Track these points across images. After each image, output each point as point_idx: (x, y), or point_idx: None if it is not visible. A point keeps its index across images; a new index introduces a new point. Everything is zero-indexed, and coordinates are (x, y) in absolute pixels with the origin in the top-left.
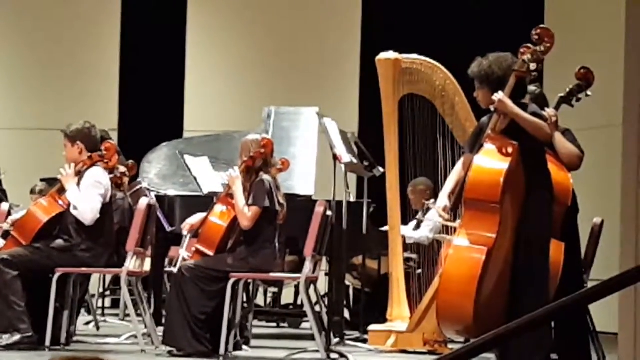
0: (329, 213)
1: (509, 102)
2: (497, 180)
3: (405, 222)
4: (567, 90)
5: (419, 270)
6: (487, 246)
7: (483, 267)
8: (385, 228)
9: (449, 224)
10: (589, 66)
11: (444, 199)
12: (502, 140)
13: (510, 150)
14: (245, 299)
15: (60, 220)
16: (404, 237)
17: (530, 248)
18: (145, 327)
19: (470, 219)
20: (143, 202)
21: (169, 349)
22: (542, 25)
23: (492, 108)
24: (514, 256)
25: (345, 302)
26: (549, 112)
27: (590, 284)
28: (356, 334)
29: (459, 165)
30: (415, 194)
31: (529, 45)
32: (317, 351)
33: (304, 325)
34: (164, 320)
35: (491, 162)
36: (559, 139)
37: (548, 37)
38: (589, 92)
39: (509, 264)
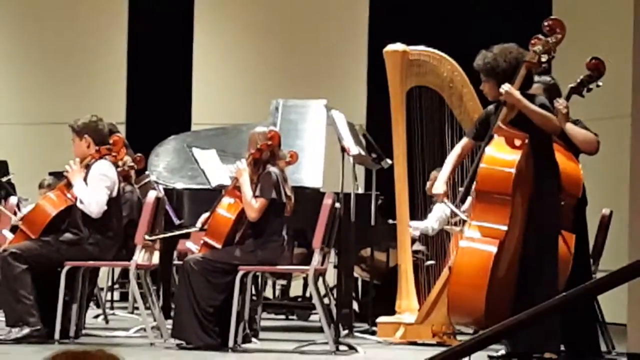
0: (337, 205)
1: (517, 94)
2: (508, 172)
3: (413, 213)
4: (578, 80)
5: (430, 262)
6: (499, 238)
7: (495, 260)
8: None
9: (456, 211)
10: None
11: (441, 185)
12: (511, 132)
13: (519, 142)
14: (253, 292)
15: (69, 213)
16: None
17: (540, 239)
18: (154, 320)
19: (481, 211)
20: (151, 195)
21: (177, 342)
22: (553, 17)
23: (501, 99)
24: (523, 248)
25: (353, 294)
26: (560, 102)
27: (599, 275)
28: (365, 326)
29: (457, 149)
30: (432, 181)
31: (540, 36)
32: (326, 343)
33: (312, 317)
34: (172, 314)
35: (502, 154)
36: (571, 127)
37: (559, 28)
38: (599, 83)
39: (519, 255)
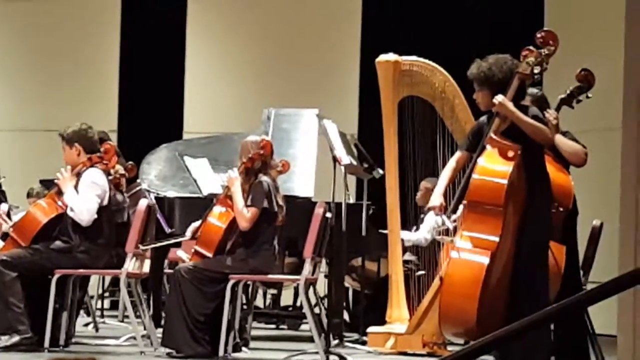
0: (328, 215)
1: (510, 105)
2: (501, 183)
3: (404, 223)
4: (568, 91)
5: (421, 272)
6: (491, 249)
7: (487, 271)
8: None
9: (450, 226)
10: (588, 68)
11: (437, 198)
12: (504, 142)
13: (512, 153)
14: (244, 301)
15: (60, 221)
16: (402, 241)
17: (531, 251)
18: (144, 328)
19: (473, 221)
20: (142, 204)
21: (168, 350)
22: (546, 29)
23: (493, 110)
24: (515, 259)
25: (344, 304)
26: (550, 113)
27: (589, 287)
28: (355, 336)
29: (452, 162)
30: (422, 191)
31: (531, 47)
32: (317, 353)
33: (303, 326)
34: (163, 322)
35: (494, 165)
36: (559, 138)
37: (552, 41)
38: (589, 94)
39: (510, 266)
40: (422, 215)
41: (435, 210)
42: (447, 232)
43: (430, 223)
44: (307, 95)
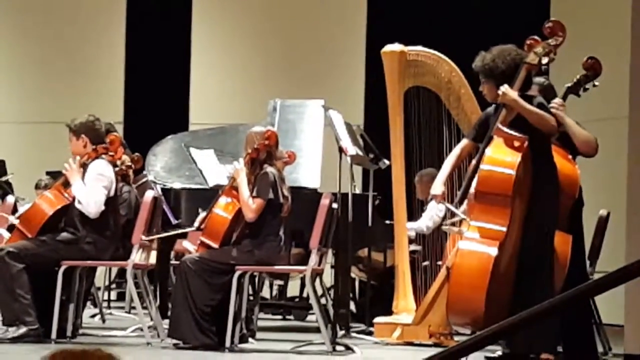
0: (334, 205)
1: (514, 95)
2: (509, 173)
3: (410, 214)
4: (575, 80)
5: (426, 263)
6: (499, 240)
7: (495, 261)
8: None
9: (455, 210)
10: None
11: (439, 187)
12: (510, 133)
13: (519, 143)
14: (250, 292)
15: (66, 212)
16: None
17: (538, 241)
18: (151, 319)
19: (480, 212)
20: (149, 195)
21: (174, 341)
22: (554, 19)
23: (498, 101)
24: (521, 249)
25: (351, 295)
26: (556, 102)
27: (596, 276)
28: (362, 327)
29: (457, 150)
30: (421, 184)
31: (536, 37)
32: (323, 343)
33: (309, 317)
34: (169, 313)
35: (502, 155)
36: (574, 125)
37: (561, 31)
38: (596, 82)
39: (517, 256)
40: (425, 206)
41: (437, 199)
42: (454, 222)
43: (432, 211)
44: (313, 86)
